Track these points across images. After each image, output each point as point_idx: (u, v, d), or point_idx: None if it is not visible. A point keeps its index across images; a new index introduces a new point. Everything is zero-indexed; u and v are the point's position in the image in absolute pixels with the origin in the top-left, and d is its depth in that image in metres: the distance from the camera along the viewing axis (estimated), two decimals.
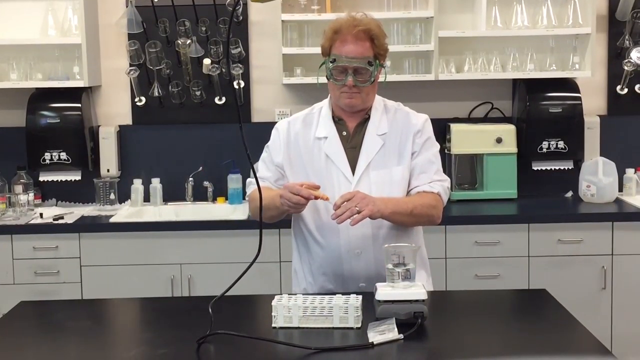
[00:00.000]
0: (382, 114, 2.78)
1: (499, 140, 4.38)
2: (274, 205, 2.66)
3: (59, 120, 4.39)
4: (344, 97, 2.71)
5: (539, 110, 4.44)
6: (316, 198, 2.56)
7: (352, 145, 2.76)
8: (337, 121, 2.79)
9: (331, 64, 2.68)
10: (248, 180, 2.90)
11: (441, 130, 4.42)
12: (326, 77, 2.72)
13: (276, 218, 2.75)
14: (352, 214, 2.53)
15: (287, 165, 2.79)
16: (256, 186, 2.41)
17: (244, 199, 4.45)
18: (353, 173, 2.73)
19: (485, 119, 4.62)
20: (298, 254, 2.85)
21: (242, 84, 4.51)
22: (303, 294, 2.51)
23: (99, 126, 4.57)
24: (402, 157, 2.75)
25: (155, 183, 4.51)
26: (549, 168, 4.49)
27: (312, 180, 2.71)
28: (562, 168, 4.50)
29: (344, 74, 2.68)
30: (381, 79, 2.79)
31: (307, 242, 2.78)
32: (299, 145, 2.79)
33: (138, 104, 4.54)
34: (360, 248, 2.70)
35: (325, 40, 2.73)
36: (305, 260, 2.81)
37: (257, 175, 2.60)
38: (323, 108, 2.83)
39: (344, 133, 2.78)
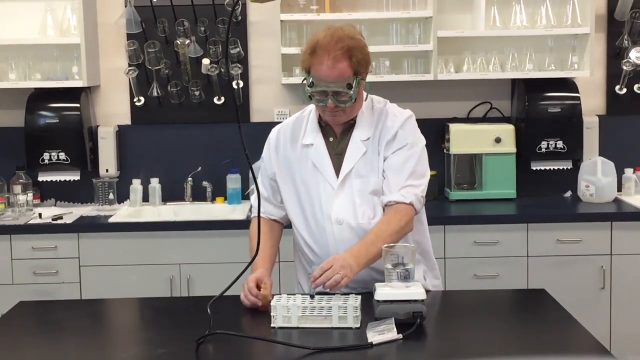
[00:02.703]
0: (369, 117, 2.72)
1: (497, 140, 4.38)
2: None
3: (57, 120, 4.39)
4: (328, 116, 2.67)
5: (537, 110, 4.44)
6: (264, 300, 2.52)
7: (338, 152, 2.72)
8: (324, 127, 2.75)
9: (309, 89, 2.61)
10: (251, 201, 2.89)
11: (440, 130, 4.42)
12: (308, 97, 2.64)
13: None
14: (336, 282, 2.44)
15: (278, 175, 2.78)
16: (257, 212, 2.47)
17: (242, 199, 4.46)
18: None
19: (484, 119, 4.62)
20: (299, 258, 2.85)
21: (241, 84, 4.51)
22: (302, 294, 2.51)
23: (97, 126, 4.57)
24: (380, 165, 2.69)
25: (154, 183, 4.50)
26: (547, 168, 4.49)
27: (299, 187, 2.72)
28: (561, 168, 4.50)
29: (324, 95, 2.61)
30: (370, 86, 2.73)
31: (303, 249, 2.78)
32: (287, 153, 2.76)
33: (137, 104, 4.54)
34: None
35: (303, 58, 2.64)
36: (306, 263, 2.80)
37: (261, 189, 2.68)
38: (312, 112, 2.78)
39: (331, 139, 2.73)
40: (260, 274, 2.61)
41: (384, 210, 2.68)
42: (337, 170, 2.70)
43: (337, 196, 2.68)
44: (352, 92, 2.59)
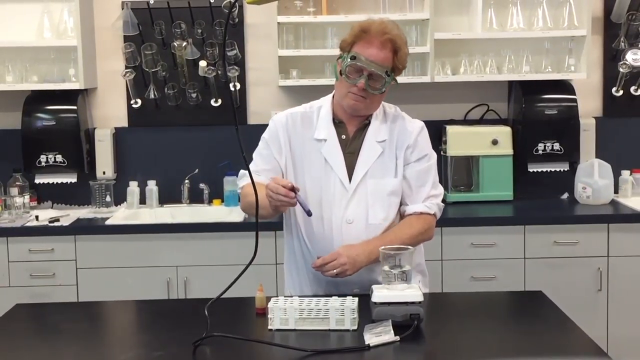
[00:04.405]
0: (382, 120, 2.75)
1: (494, 142, 4.39)
2: (265, 204, 2.55)
3: (54, 123, 4.39)
4: (350, 98, 2.66)
5: (534, 112, 4.45)
6: (293, 190, 2.48)
7: (351, 151, 2.72)
8: (337, 123, 2.74)
9: (350, 60, 2.62)
10: (241, 172, 2.81)
11: (437, 132, 4.43)
12: (340, 71, 2.66)
13: (267, 217, 2.63)
14: (332, 276, 2.59)
15: (289, 162, 2.74)
16: (250, 180, 2.38)
17: (239, 201, 4.45)
18: (350, 179, 2.70)
19: (481, 121, 4.63)
20: (294, 259, 2.82)
21: (238, 86, 4.51)
22: (299, 296, 2.51)
23: (94, 128, 4.57)
24: (398, 167, 2.72)
25: (151, 185, 4.51)
26: (544, 170, 4.50)
27: (307, 183, 2.70)
28: (557, 170, 4.51)
29: (358, 74, 2.63)
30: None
31: (302, 250, 2.76)
32: (296, 143, 2.74)
33: (134, 106, 4.54)
34: None
35: (349, 35, 2.67)
36: (301, 266, 2.79)
37: (253, 168, 2.63)
38: (323, 108, 2.77)
39: (343, 137, 2.73)
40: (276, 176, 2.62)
41: (402, 216, 2.75)
42: (349, 169, 2.71)
43: (352, 196, 2.68)
44: (387, 79, 2.63)
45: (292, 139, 2.75)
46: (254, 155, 2.81)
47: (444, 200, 2.83)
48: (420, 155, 2.74)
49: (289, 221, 2.79)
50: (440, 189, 2.79)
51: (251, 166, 2.64)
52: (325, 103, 2.79)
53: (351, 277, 2.64)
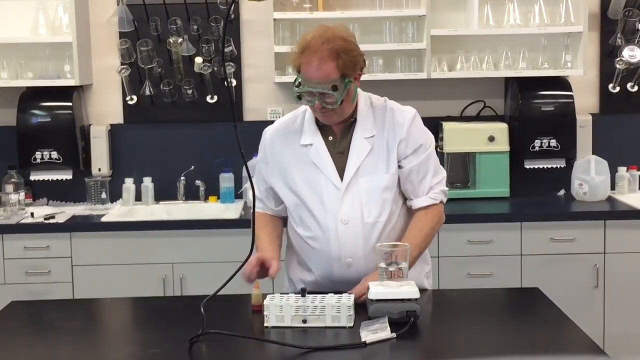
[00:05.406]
0: (369, 114, 2.70)
1: (491, 139, 4.38)
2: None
3: (50, 119, 4.38)
4: (319, 115, 2.66)
5: (531, 109, 4.44)
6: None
7: (340, 151, 2.69)
8: (322, 126, 2.72)
9: (297, 89, 2.59)
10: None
11: (433, 128, 4.40)
12: (297, 97, 2.63)
13: None
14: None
15: (271, 176, 2.73)
16: (258, 210, 2.47)
17: (235, 198, 4.45)
18: (342, 179, 2.68)
19: (478, 118, 4.63)
20: (294, 256, 2.82)
21: (234, 82, 4.50)
22: (295, 293, 2.50)
23: (90, 125, 4.55)
24: (389, 162, 2.69)
25: (147, 182, 4.49)
26: (541, 166, 4.49)
27: (300, 187, 2.69)
28: (554, 166, 4.50)
29: (311, 95, 2.59)
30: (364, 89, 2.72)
31: (302, 248, 2.75)
32: (285, 152, 2.72)
33: (129, 102, 4.53)
34: (352, 256, 2.66)
35: (294, 57, 2.62)
36: (302, 262, 2.78)
37: (258, 194, 2.66)
38: (307, 111, 2.75)
39: (330, 138, 2.70)
40: (264, 253, 2.63)
41: (408, 210, 2.75)
42: (340, 169, 2.68)
43: (344, 196, 2.66)
44: (337, 94, 2.56)
45: (278, 153, 2.73)
46: (255, 178, 2.79)
47: None
48: (416, 147, 2.69)
49: (290, 224, 2.79)
50: (441, 174, 2.75)
51: (256, 192, 2.67)
52: (307, 107, 2.75)
53: (351, 277, 2.63)
